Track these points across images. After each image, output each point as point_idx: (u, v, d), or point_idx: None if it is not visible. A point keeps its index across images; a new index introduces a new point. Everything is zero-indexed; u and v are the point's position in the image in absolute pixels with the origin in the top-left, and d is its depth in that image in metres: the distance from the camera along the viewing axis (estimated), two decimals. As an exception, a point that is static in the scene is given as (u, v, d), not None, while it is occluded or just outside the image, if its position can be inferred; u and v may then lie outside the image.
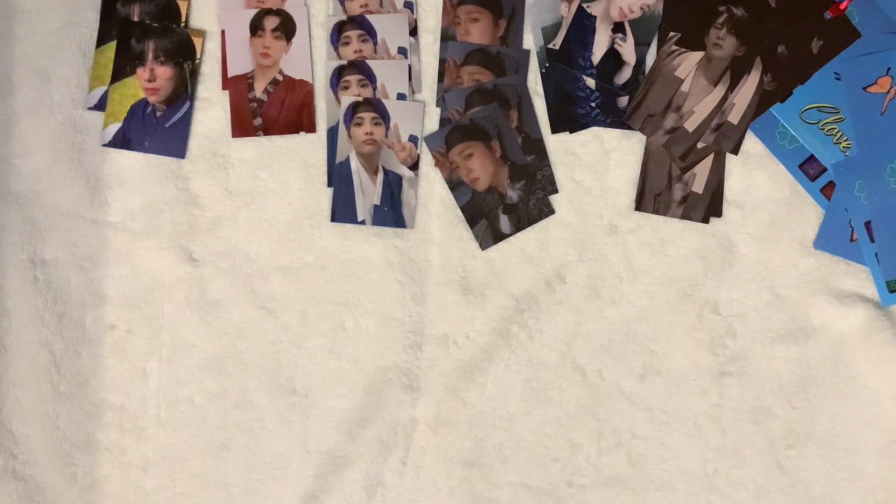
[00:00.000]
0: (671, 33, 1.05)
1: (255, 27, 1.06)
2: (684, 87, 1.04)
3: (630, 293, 1.04)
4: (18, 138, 1.04)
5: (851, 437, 1.02)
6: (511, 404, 1.03)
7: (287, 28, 1.06)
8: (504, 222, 1.04)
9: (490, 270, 1.04)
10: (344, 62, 1.05)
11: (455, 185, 1.04)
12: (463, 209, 1.04)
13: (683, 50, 1.04)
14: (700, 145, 1.04)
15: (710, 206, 1.04)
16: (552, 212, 1.04)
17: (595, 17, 1.05)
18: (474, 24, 1.06)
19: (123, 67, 1.05)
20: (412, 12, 1.06)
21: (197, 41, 1.06)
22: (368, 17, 1.05)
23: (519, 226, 1.04)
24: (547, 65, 1.06)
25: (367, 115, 1.04)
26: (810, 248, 1.04)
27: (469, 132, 1.04)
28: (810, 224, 1.04)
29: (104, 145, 1.04)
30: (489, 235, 1.04)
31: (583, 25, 1.05)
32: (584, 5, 1.05)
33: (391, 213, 1.04)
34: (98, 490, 1.01)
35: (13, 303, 1.02)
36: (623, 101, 1.05)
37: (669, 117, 1.04)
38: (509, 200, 1.04)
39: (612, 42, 1.05)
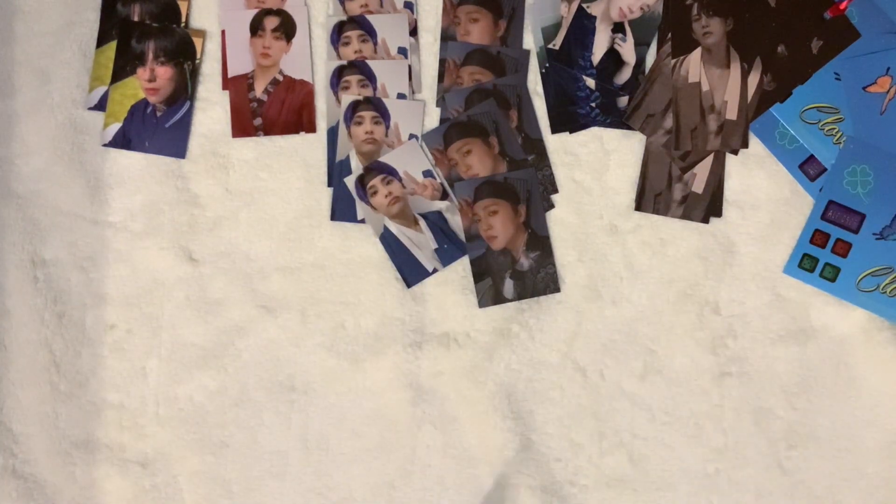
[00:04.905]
0: (671, 33, 1.05)
1: (256, 27, 1.06)
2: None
3: (630, 293, 1.04)
4: (18, 138, 1.04)
5: (852, 438, 1.01)
6: (513, 404, 1.02)
7: (287, 28, 1.06)
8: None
9: (490, 270, 1.04)
10: (344, 62, 1.05)
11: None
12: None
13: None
14: (700, 145, 1.04)
15: (710, 206, 1.04)
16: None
17: (595, 17, 1.05)
18: (474, 25, 1.06)
19: (124, 67, 1.05)
20: (412, 12, 1.06)
21: (197, 41, 1.06)
22: (368, 17, 1.05)
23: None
24: (547, 65, 1.06)
25: (367, 114, 1.04)
26: (811, 247, 1.04)
27: (467, 128, 1.04)
28: (810, 224, 1.05)
29: (104, 145, 1.05)
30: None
31: (583, 25, 1.05)
32: (584, 5, 1.05)
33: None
34: (97, 488, 1.00)
35: (13, 302, 1.02)
36: (623, 101, 1.05)
37: (669, 117, 1.04)
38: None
39: (612, 42, 1.05)
